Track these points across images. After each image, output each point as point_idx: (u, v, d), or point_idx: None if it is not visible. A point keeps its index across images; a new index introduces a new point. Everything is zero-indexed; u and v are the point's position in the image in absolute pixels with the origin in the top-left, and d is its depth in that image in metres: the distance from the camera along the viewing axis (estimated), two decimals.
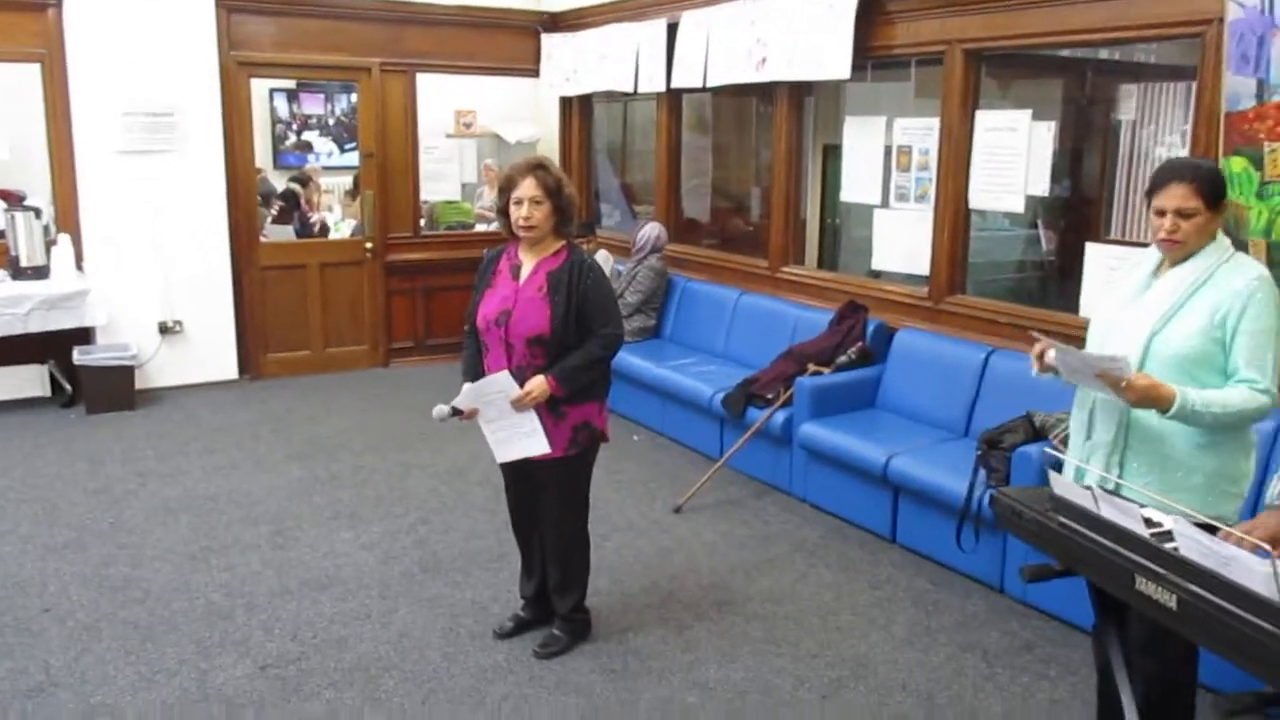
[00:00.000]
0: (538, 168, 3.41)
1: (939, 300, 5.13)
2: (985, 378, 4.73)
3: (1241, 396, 2.44)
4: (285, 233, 8.31)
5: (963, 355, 4.85)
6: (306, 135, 10.61)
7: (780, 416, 5.12)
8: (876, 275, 5.74)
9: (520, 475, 3.59)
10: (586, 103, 8.03)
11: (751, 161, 8.22)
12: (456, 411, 3.45)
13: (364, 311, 7.60)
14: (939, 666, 3.61)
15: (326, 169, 10.29)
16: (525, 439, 3.41)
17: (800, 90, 5.92)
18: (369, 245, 7.56)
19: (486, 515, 4.86)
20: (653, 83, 6.72)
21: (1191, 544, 1.90)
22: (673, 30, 6.50)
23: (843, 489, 4.83)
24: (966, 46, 4.81)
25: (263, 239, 7.46)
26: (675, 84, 6.53)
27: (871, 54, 5.27)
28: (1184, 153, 6.23)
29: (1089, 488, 2.16)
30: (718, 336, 6.25)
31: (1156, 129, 5.64)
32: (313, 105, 10.60)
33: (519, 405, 3.33)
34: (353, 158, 10.11)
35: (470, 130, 9.93)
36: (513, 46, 7.87)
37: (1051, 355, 2.66)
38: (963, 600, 4.10)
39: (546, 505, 3.59)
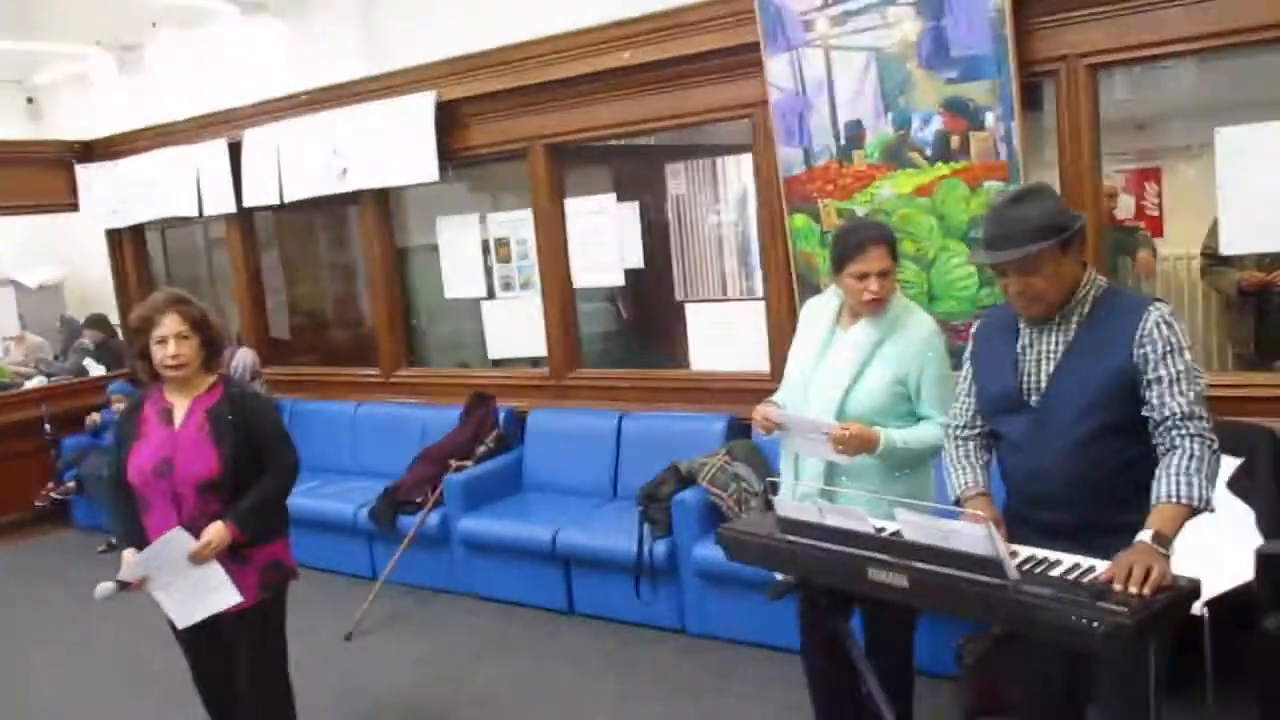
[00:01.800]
0: (178, 302, 3.17)
1: (561, 377, 5.41)
2: (621, 440, 5.07)
3: (934, 434, 2.82)
4: None
5: (596, 424, 5.17)
6: None
7: (434, 518, 5.09)
8: (496, 364, 5.92)
9: (206, 637, 3.24)
10: (140, 233, 7.46)
11: (324, 272, 8.10)
12: (123, 585, 3.08)
13: None
14: (659, 714, 3.80)
15: None
16: (211, 594, 3.12)
17: (385, 197, 5.99)
18: None
19: (137, 698, 4.30)
20: (220, 204, 6.44)
21: (913, 528, 2.25)
22: (235, 149, 6.29)
23: (511, 575, 4.89)
24: (546, 141, 5.19)
25: None
26: (248, 203, 6.31)
27: (455, 156, 5.49)
28: (732, 219, 7.15)
29: (814, 504, 2.47)
30: (341, 453, 6.05)
31: (707, 200, 6.41)
32: None
33: (198, 559, 3.05)
34: None
35: None
36: (41, 181, 7.14)
37: (777, 416, 2.90)
38: (654, 650, 4.34)
39: (243, 662, 3.28)
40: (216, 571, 3.09)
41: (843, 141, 4.26)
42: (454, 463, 5.23)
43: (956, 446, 2.65)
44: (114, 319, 7.96)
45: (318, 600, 5.17)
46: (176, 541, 3.03)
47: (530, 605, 4.86)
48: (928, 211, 4.12)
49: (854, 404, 2.87)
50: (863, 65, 4.14)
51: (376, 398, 6.19)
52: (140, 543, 3.12)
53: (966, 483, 2.58)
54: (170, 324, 3.12)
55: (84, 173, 7.24)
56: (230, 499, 3.12)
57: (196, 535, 3.04)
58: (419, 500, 5.15)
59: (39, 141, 7.24)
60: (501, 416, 5.46)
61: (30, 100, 9.56)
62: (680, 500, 4.36)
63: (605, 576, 4.57)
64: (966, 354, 2.67)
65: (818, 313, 3.09)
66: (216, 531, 3.06)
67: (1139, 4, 3.64)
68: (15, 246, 8.81)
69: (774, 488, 2.76)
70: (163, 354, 3.11)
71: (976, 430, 2.64)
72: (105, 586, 3.07)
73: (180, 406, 3.18)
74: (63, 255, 9.13)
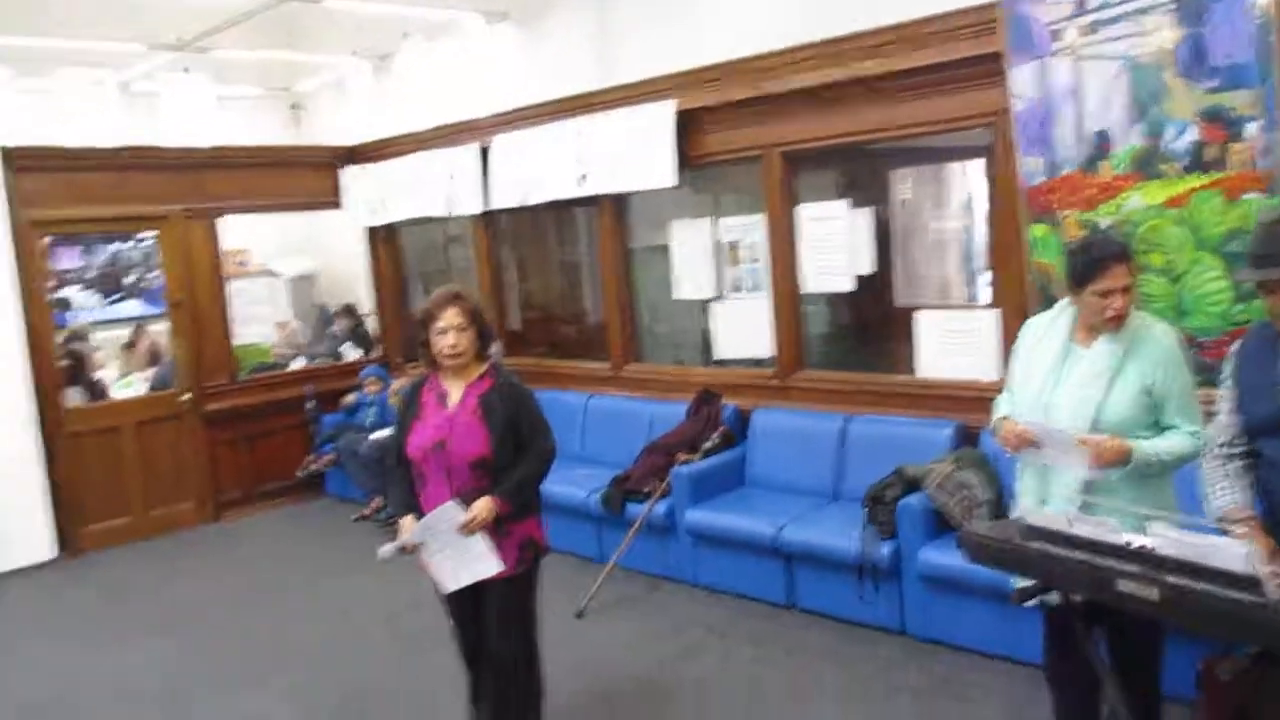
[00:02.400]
0: (456, 297, 3.51)
1: (787, 378, 5.56)
2: (846, 443, 5.17)
3: (1183, 443, 2.79)
4: (73, 397, 7.79)
5: (820, 426, 5.28)
6: (64, 292, 9.98)
7: (661, 507, 5.33)
8: (719, 363, 6.10)
9: (468, 602, 3.57)
10: (393, 230, 8.11)
11: (553, 269, 8.54)
12: (403, 549, 3.45)
13: (187, 467, 7.21)
14: (879, 713, 3.89)
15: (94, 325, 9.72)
16: (476, 562, 3.44)
17: (622, 200, 6.30)
18: (186, 397, 7.22)
19: (395, 651, 4.77)
20: (469, 205, 6.93)
21: (1168, 542, 2.28)
22: (485, 153, 6.76)
23: (734, 566, 5.08)
24: (782, 149, 5.34)
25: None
26: (494, 205, 6.77)
27: (692, 163, 5.72)
28: (956, 226, 7.07)
29: (1063, 513, 2.52)
30: (572, 440, 6.39)
31: (933, 205, 6.39)
32: (69, 259, 10.01)
33: (467, 530, 3.38)
34: (119, 310, 9.67)
35: (245, 269, 9.70)
36: (311, 182, 7.90)
37: (1033, 431, 2.90)
38: (874, 649, 4.42)
39: (498, 626, 3.60)
40: (482, 541, 3.41)
41: (1089, 151, 4.21)
42: (681, 456, 5.46)
43: (1220, 464, 2.63)
44: (365, 308, 8.66)
45: (549, 578, 5.51)
46: (449, 513, 3.36)
47: (752, 597, 5.03)
48: (1179, 223, 4.01)
49: (1106, 418, 2.86)
50: (1113, 74, 4.07)
51: (606, 390, 6.52)
52: (416, 512, 3.48)
53: (1233, 503, 2.56)
54: (450, 317, 3.46)
55: (346, 175, 7.95)
56: (496, 476, 3.44)
57: (466, 507, 3.37)
58: (647, 490, 5.41)
59: (308, 147, 8.04)
60: (727, 413, 5.65)
61: (294, 106, 10.48)
62: (906, 504, 4.43)
63: (827, 574, 4.68)
64: (1227, 372, 2.65)
65: (1046, 330, 3.07)
66: (485, 505, 3.38)
67: None
68: (274, 241, 9.70)
69: (1004, 497, 2.80)
70: (442, 343, 3.46)
71: (1239, 449, 2.62)
72: (388, 549, 3.45)
73: (455, 391, 3.52)
74: (314, 249, 9.97)
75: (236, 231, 8.46)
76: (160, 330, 8.64)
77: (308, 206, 8.08)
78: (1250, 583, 2.13)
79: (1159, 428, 2.89)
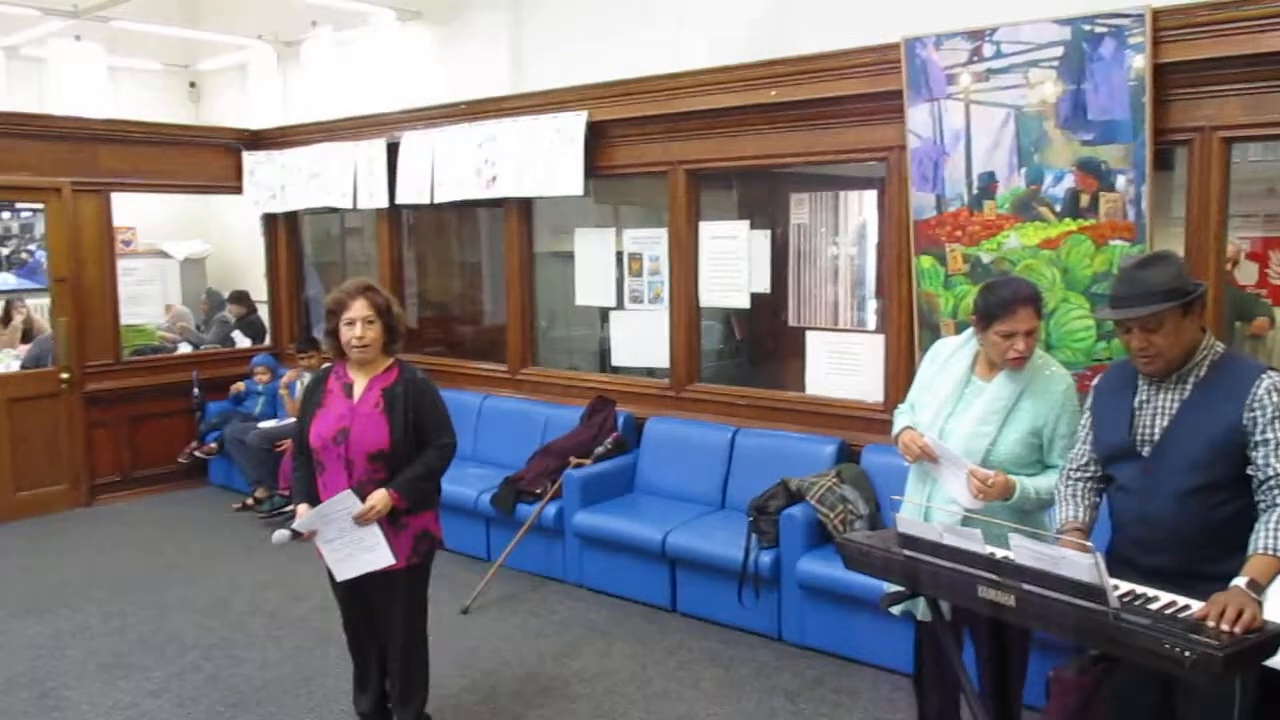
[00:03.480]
0: (367, 289, 3.56)
1: (681, 389, 5.72)
2: (734, 454, 5.35)
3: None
4: None
5: (710, 436, 5.45)
6: None
7: (550, 509, 5.42)
8: (614, 371, 6.25)
9: (359, 591, 3.62)
10: (293, 219, 8.01)
11: (453, 269, 8.56)
12: (296, 534, 3.47)
13: (61, 448, 6.97)
14: (753, 712, 4.05)
15: None
16: (368, 554, 3.49)
17: (528, 205, 6.38)
18: (65, 375, 6.98)
19: (272, 642, 4.73)
20: (374, 199, 6.91)
21: (1025, 552, 2.48)
22: (393, 148, 6.76)
23: (620, 569, 5.20)
24: (688, 167, 5.51)
25: None
26: (400, 200, 6.76)
27: (598, 172, 5.84)
28: (849, 252, 7.36)
29: (934, 523, 2.71)
30: (466, 440, 6.38)
31: (827, 231, 6.65)
32: None
33: (362, 520, 3.42)
34: None
35: (130, 249, 9.45)
36: (212, 164, 7.72)
37: (934, 447, 3.07)
38: (751, 652, 4.60)
39: (388, 617, 3.65)
40: (375, 533, 3.46)
41: (975, 191, 4.48)
42: (574, 460, 5.56)
43: (1068, 485, 2.87)
44: (260, 296, 8.52)
45: (437, 575, 5.54)
46: (345, 502, 3.41)
47: (636, 600, 5.16)
48: (1052, 264, 4.31)
49: (996, 455, 3.04)
50: (1001, 121, 4.36)
51: (502, 392, 6.57)
52: (313, 500, 3.51)
53: (1068, 517, 2.81)
54: (359, 308, 3.51)
55: (249, 159, 7.81)
56: (395, 470, 3.49)
57: (363, 499, 3.42)
58: (538, 491, 5.50)
59: (210, 127, 7.86)
60: (620, 420, 5.78)
61: (192, 85, 10.26)
62: (789, 515, 4.62)
63: (709, 580, 4.84)
64: (1087, 404, 2.89)
65: (951, 357, 3.24)
66: (381, 498, 3.43)
67: (1278, 82, 3.80)
68: (163, 220, 9.48)
69: (881, 511, 2.96)
70: (350, 334, 3.50)
71: (1089, 474, 2.86)
72: (281, 534, 3.48)
73: (360, 382, 3.56)
74: (206, 232, 9.78)
75: (123, 209, 8.24)
76: (37, 305, 8.37)
77: (208, 189, 7.92)
78: (1096, 592, 2.35)
79: (1042, 465, 3.10)
